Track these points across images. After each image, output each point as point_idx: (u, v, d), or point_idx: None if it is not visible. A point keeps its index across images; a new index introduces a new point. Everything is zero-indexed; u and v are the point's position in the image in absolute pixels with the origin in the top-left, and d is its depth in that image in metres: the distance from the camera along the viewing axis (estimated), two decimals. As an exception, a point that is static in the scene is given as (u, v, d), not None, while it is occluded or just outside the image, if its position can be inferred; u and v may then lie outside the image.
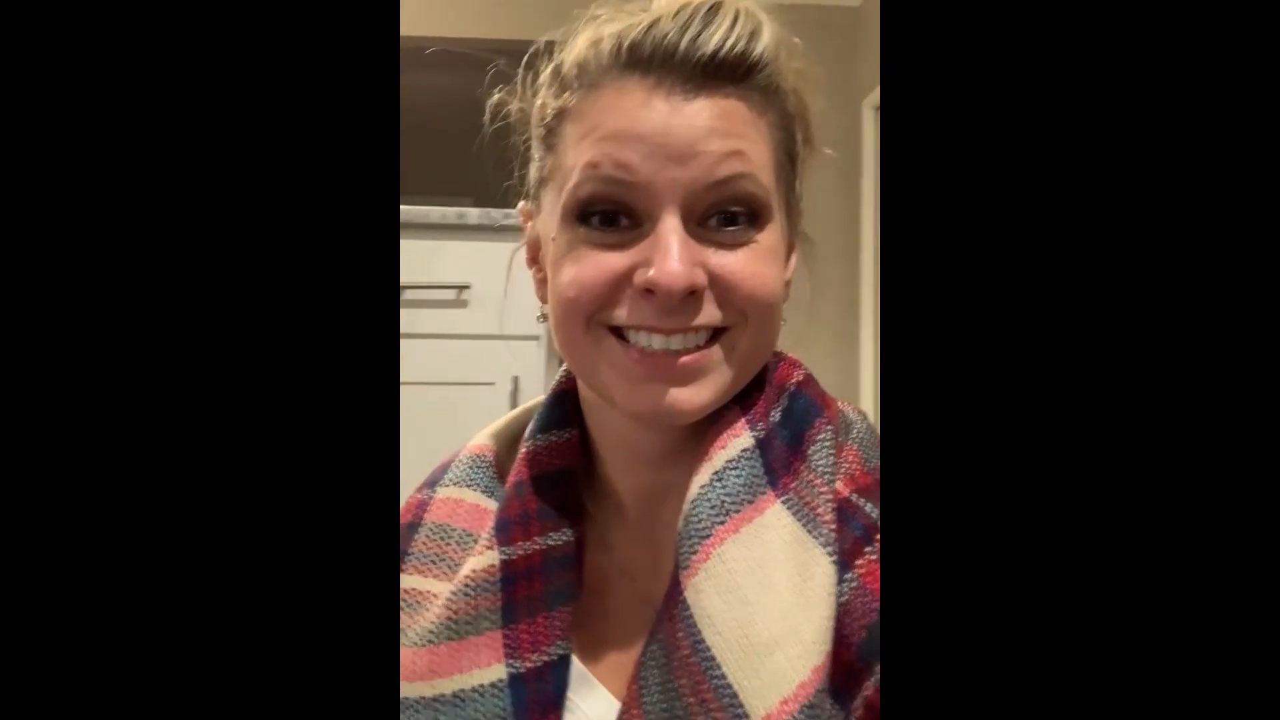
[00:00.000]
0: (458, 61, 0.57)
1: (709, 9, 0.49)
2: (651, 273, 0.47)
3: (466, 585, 0.54)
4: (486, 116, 0.58)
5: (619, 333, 0.50)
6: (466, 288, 1.57)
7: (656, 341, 0.49)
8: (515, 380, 1.57)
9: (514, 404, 1.59)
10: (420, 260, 1.58)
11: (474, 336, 1.59)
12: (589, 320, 0.50)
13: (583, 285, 0.50)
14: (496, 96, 0.57)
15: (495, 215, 1.56)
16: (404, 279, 1.57)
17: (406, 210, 1.56)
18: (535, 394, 1.77)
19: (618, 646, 0.55)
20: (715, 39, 0.48)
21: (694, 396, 0.50)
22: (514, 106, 0.56)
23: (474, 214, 1.55)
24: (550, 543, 0.55)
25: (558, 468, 0.57)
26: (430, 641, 0.53)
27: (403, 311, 1.59)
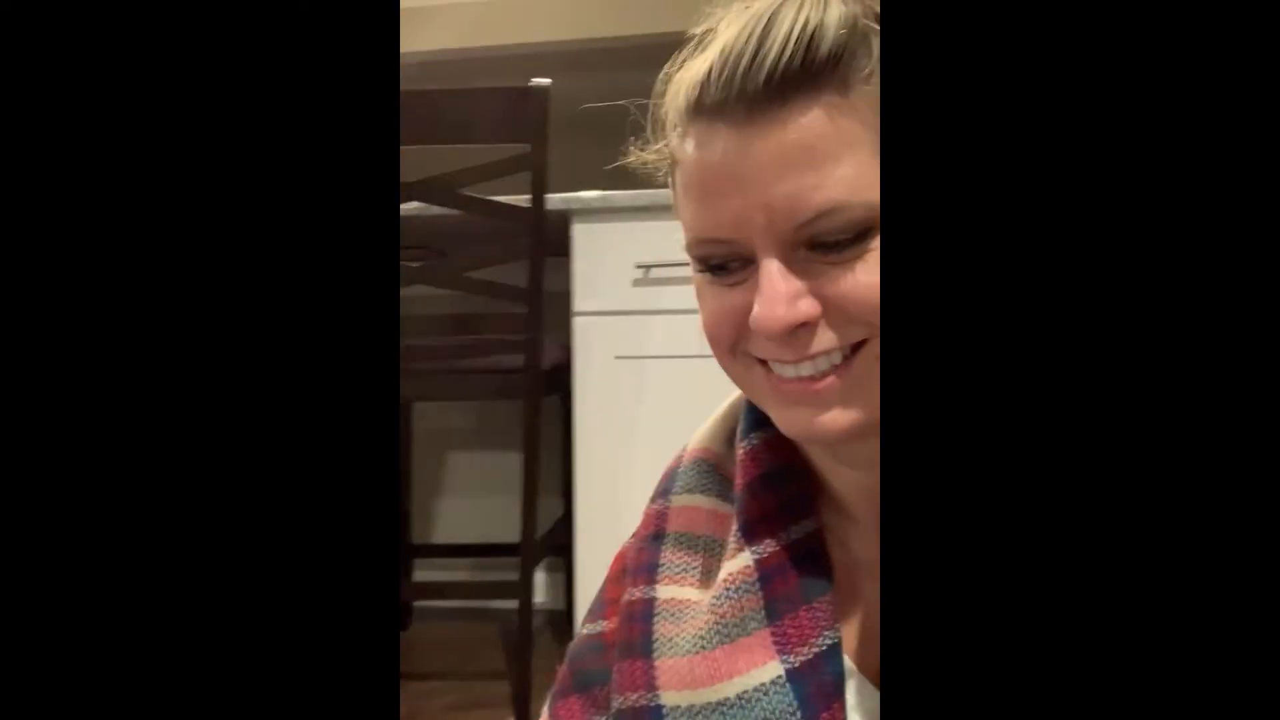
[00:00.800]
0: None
1: (766, 24, 0.46)
2: (752, 315, 0.48)
3: (728, 589, 0.55)
4: (633, 167, 0.57)
5: (762, 360, 0.51)
6: (707, 264, 1.62)
7: (789, 370, 0.49)
8: (756, 353, 1.59)
9: (756, 376, 1.61)
10: (663, 239, 1.64)
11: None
12: (732, 351, 0.52)
13: (713, 324, 0.51)
14: (632, 153, 0.57)
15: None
16: (648, 259, 1.64)
17: (649, 194, 1.63)
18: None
19: (877, 643, 0.54)
20: (770, 60, 0.45)
21: (838, 418, 0.49)
22: (649, 155, 0.56)
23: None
24: (793, 537, 0.56)
25: (780, 463, 0.58)
26: (703, 648, 0.54)
27: (646, 289, 1.66)
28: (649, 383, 1.68)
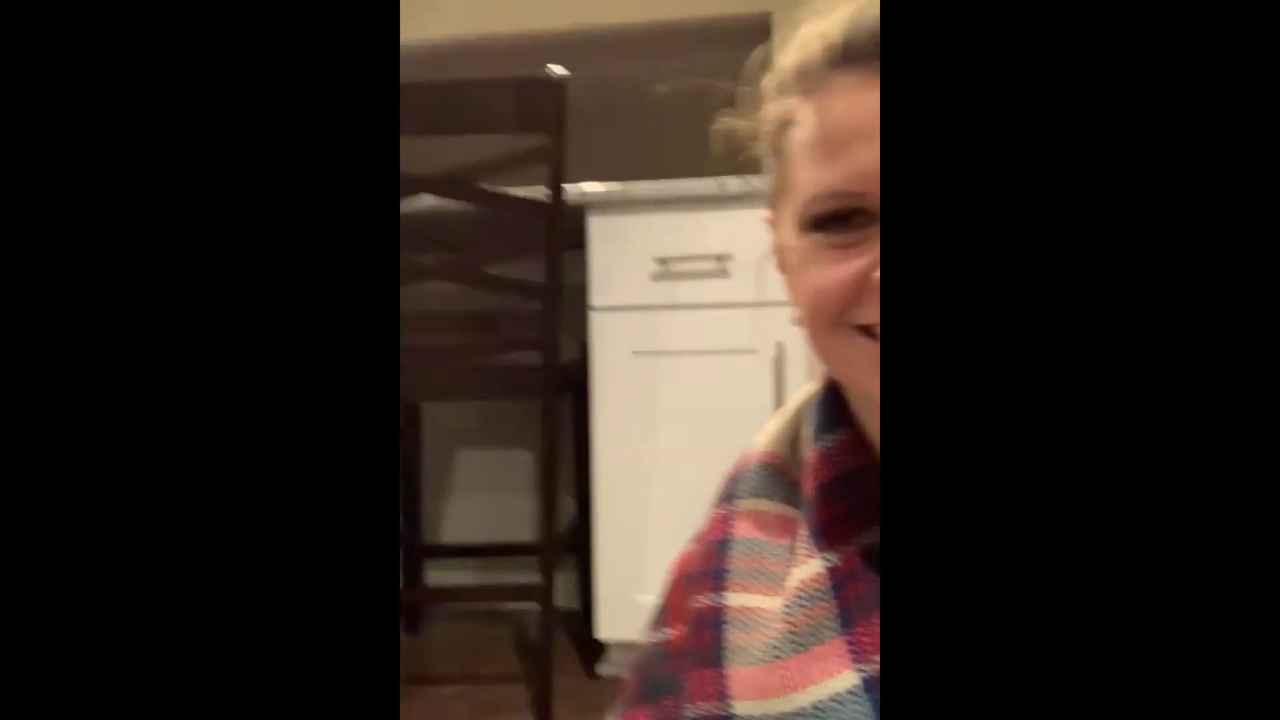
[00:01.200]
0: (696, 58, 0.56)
1: None
2: None
3: (800, 596, 0.54)
4: (715, 143, 0.58)
5: (869, 330, 0.50)
6: (728, 257, 1.58)
7: None
8: (779, 346, 1.56)
9: (778, 371, 1.58)
10: (682, 232, 1.60)
11: (736, 305, 1.59)
12: (836, 324, 0.51)
13: (824, 292, 0.50)
14: (722, 122, 0.57)
15: (755, 183, 1.54)
16: (667, 252, 1.60)
17: (669, 185, 1.59)
18: (799, 360, 1.71)
19: None
20: None
21: None
22: (742, 124, 0.56)
23: (734, 183, 1.54)
24: (865, 542, 0.55)
25: (853, 466, 0.57)
26: (777, 656, 0.54)
27: (665, 283, 1.62)
28: (667, 379, 1.64)
